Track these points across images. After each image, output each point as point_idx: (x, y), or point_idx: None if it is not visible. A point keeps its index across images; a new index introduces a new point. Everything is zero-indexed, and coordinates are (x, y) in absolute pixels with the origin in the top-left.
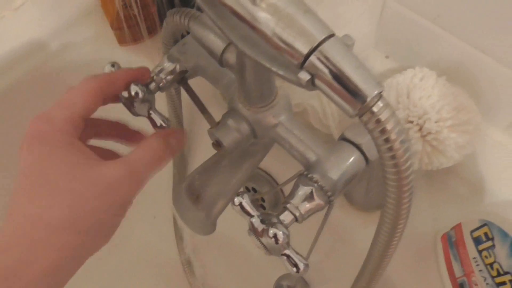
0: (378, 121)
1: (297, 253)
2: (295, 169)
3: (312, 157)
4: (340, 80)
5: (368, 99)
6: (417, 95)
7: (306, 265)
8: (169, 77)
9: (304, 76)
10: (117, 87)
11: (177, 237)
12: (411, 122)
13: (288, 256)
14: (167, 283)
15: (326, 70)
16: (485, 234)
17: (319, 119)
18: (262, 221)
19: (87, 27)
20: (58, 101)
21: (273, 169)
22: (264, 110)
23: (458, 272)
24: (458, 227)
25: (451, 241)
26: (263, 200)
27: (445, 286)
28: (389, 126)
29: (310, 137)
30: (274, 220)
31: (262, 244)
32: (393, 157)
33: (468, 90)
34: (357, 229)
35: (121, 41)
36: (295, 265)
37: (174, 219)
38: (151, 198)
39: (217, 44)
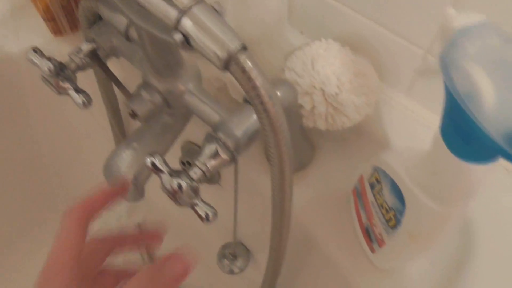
0: (243, 70)
1: (205, 202)
2: None
3: (217, 118)
4: (207, 37)
5: (232, 51)
6: (320, 63)
7: (215, 213)
8: (87, 57)
9: (178, 36)
10: (97, 210)
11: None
12: (314, 87)
13: (196, 205)
14: None
15: (194, 30)
16: (376, 179)
17: (237, 91)
18: (171, 175)
19: (19, 21)
20: (49, 259)
21: None
22: (173, 80)
23: (364, 218)
24: (361, 179)
25: (358, 193)
26: None
27: (357, 233)
28: (253, 75)
29: (216, 102)
30: (183, 175)
31: (172, 196)
32: (261, 102)
33: (371, 59)
34: None
35: (56, 32)
36: (206, 214)
37: None
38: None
39: (122, 21)
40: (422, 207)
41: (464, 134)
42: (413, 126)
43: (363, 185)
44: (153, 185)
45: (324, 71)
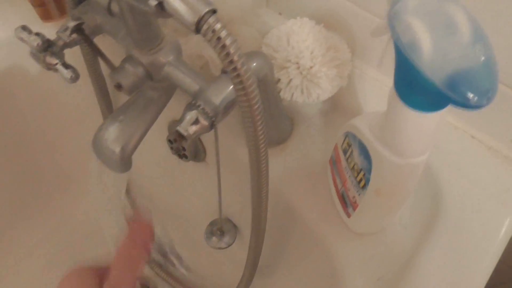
0: (214, 31)
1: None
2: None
3: (196, 87)
4: (180, 2)
5: (203, 13)
6: (295, 39)
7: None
8: (73, 34)
9: (153, 1)
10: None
11: None
12: (290, 61)
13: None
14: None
15: None
16: (348, 143)
17: (218, 68)
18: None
19: (8, 7)
20: None
21: None
22: (154, 52)
23: (339, 185)
24: (335, 147)
25: (334, 161)
26: (184, 149)
27: (334, 201)
28: (222, 35)
29: (195, 73)
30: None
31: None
32: (231, 61)
33: (344, 35)
34: None
35: (45, 17)
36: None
37: None
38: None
39: None
40: (386, 161)
41: (412, 84)
42: (384, 96)
43: (338, 153)
44: (140, 167)
45: (298, 46)
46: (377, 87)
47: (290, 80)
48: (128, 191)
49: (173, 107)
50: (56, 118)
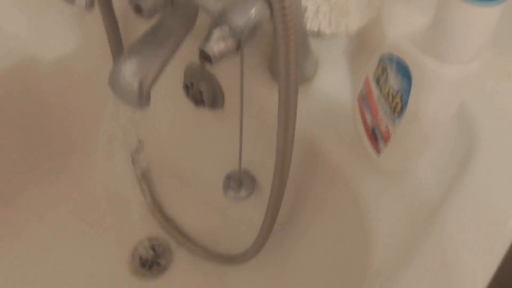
0: None
1: None
2: (234, 65)
3: (220, 6)
4: None
5: None
6: None
7: None
8: None
9: None
10: None
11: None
12: None
13: None
14: (129, 211)
15: None
16: (382, 68)
17: None
18: None
19: None
20: None
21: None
22: None
23: (369, 120)
24: (366, 80)
25: (363, 96)
26: (201, 94)
27: (362, 139)
28: None
29: None
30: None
31: None
32: None
33: None
34: None
35: None
36: None
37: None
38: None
39: None
40: (429, 73)
41: None
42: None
43: (368, 85)
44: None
45: None
46: (405, 22)
47: (318, 7)
48: (140, 148)
49: (190, 51)
50: (68, 81)
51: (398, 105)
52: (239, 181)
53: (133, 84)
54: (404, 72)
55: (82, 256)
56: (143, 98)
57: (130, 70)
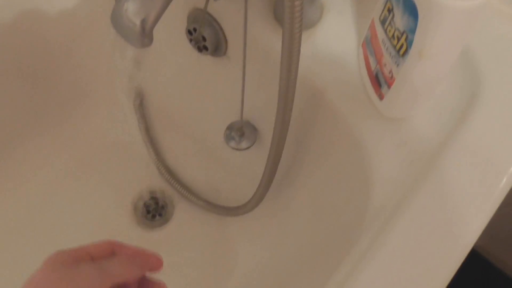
0: None
1: None
2: (238, 9)
3: None
4: None
5: None
6: None
7: None
8: None
9: None
10: None
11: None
12: None
13: None
14: (132, 162)
15: None
16: (388, 9)
17: None
18: None
19: None
20: None
21: (215, 11)
22: None
23: (373, 64)
24: (371, 24)
25: (368, 41)
26: (204, 39)
27: (365, 85)
28: None
29: None
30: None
31: None
32: None
33: None
34: None
35: None
36: None
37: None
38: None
39: None
40: (436, 8)
41: None
42: None
43: (374, 28)
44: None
45: None
46: None
47: None
48: (142, 98)
49: None
50: (73, 28)
51: (403, 46)
52: (241, 131)
53: (135, 22)
54: (411, 10)
55: (84, 207)
56: (145, 37)
57: (132, 8)
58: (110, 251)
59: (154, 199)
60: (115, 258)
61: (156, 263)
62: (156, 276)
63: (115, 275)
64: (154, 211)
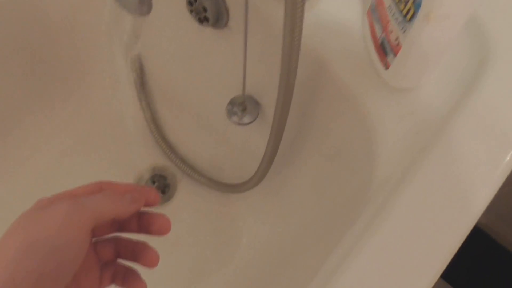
0: None
1: None
2: None
3: None
4: None
5: None
6: None
7: None
8: None
9: None
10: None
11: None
12: None
13: None
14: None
15: None
16: None
17: None
18: None
19: None
20: None
21: None
22: None
23: (379, 33)
24: None
25: (374, 8)
26: (205, 10)
27: (370, 55)
28: None
29: None
30: None
31: None
32: None
33: None
34: None
35: None
36: None
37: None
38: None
39: None
40: None
41: None
42: None
43: None
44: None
45: None
46: None
47: None
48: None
49: None
50: (72, 2)
51: (411, 10)
52: (243, 105)
53: None
54: None
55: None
56: (144, 4)
57: None
58: (97, 190)
59: (156, 176)
60: (98, 194)
61: (152, 196)
62: (160, 255)
63: (97, 211)
64: (157, 188)
